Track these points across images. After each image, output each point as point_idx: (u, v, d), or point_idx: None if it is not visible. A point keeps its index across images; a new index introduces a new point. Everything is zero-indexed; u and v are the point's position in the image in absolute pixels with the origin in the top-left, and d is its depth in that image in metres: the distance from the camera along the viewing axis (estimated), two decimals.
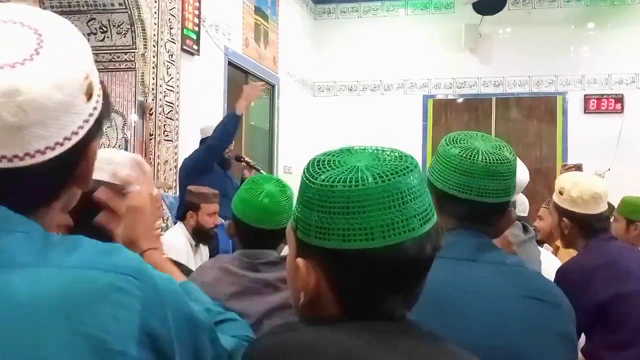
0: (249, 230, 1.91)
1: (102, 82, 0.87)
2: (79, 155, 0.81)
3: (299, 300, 0.90)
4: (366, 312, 0.87)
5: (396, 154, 0.89)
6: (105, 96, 0.87)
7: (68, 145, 0.78)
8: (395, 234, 0.83)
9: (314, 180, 0.86)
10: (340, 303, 0.88)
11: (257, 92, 4.50)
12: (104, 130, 0.89)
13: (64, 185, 0.83)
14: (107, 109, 0.86)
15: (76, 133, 0.79)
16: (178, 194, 4.35)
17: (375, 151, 0.89)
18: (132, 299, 0.76)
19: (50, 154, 0.76)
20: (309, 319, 0.92)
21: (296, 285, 0.90)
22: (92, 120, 0.81)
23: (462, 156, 1.30)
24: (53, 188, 0.82)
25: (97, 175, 1.41)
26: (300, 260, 0.88)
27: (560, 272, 2.34)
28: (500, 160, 1.30)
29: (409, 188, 0.84)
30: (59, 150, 0.77)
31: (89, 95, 0.80)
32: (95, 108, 0.82)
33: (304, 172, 0.89)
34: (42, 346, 0.69)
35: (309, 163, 0.89)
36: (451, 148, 1.33)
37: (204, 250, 3.63)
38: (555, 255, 3.55)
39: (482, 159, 1.29)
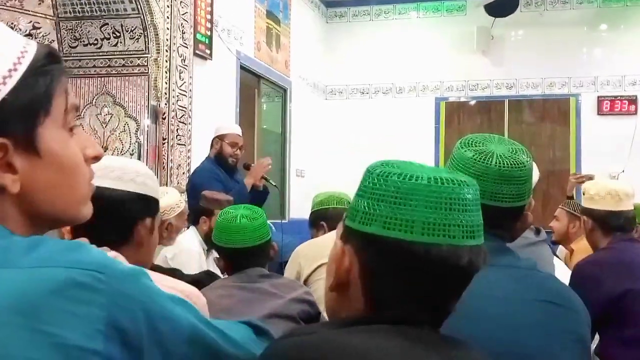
0: (234, 254, 2.12)
1: (41, 68, 0.81)
2: None
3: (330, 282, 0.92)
4: (391, 312, 0.87)
5: (460, 174, 0.91)
6: (31, 85, 0.80)
7: None
8: (435, 234, 0.84)
9: (373, 171, 0.90)
10: (367, 297, 0.89)
11: (265, 168, 4.48)
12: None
13: None
14: (26, 99, 0.80)
15: None
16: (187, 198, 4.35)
17: (441, 168, 0.93)
18: (93, 294, 0.74)
19: None
20: (329, 322, 0.93)
21: (331, 267, 0.93)
22: None
23: (475, 159, 1.29)
24: None
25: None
26: (339, 242, 0.91)
27: (576, 268, 2.41)
28: (514, 164, 1.29)
29: (460, 198, 0.86)
30: None
31: None
32: None
33: (366, 168, 0.93)
34: (4, 344, 0.69)
35: (372, 163, 0.93)
36: (465, 151, 1.32)
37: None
38: (570, 258, 3.59)
39: (496, 162, 1.28)
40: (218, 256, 2.25)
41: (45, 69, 0.82)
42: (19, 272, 0.73)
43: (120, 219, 1.47)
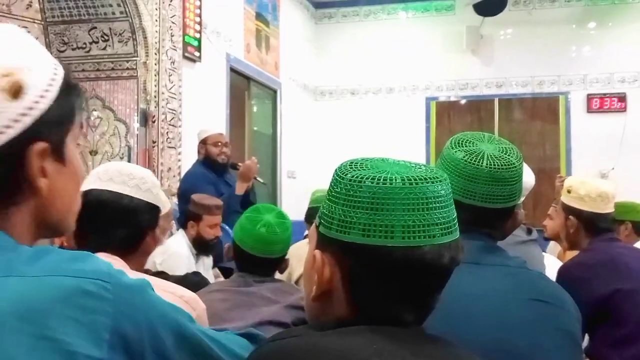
0: (244, 257, 2.02)
1: (70, 85, 0.85)
2: (13, 156, 0.78)
3: (311, 294, 0.91)
4: (376, 315, 0.87)
5: (427, 167, 0.91)
6: (65, 99, 0.83)
7: None
8: (416, 237, 0.84)
9: (344, 176, 0.88)
10: (351, 302, 0.89)
11: (254, 170, 4.43)
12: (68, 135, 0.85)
13: (14, 191, 0.80)
14: (61, 110, 0.83)
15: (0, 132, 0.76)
16: (177, 202, 4.34)
17: (407, 163, 0.92)
18: (100, 302, 0.76)
19: None
20: (315, 324, 0.92)
21: (311, 278, 0.92)
22: (25, 120, 0.77)
23: (466, 161, 1.29)
24: None
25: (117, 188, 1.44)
26: (317, 252, 0.90)
27: (562, 270, 2.39)
28: (505, 165, 1.28)
29: (435, 196, 0.86)
30: None
31: (13, 93, 0.76)
32: (30, 108, 0.78)
33: (335, 171, 0.91)
34: (9, 350, 0.70)
35: (341, 163, 0.92)
36: (456, 152, 1.31)
37: (207, 259, 3.62)
38: (564, 255, 3.59)
39: (487, 164, 1.28)
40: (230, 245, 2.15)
41: (74, 85, 0.87)
42: (26, 281, 0.74)
43: (136, 228, 1.48)
